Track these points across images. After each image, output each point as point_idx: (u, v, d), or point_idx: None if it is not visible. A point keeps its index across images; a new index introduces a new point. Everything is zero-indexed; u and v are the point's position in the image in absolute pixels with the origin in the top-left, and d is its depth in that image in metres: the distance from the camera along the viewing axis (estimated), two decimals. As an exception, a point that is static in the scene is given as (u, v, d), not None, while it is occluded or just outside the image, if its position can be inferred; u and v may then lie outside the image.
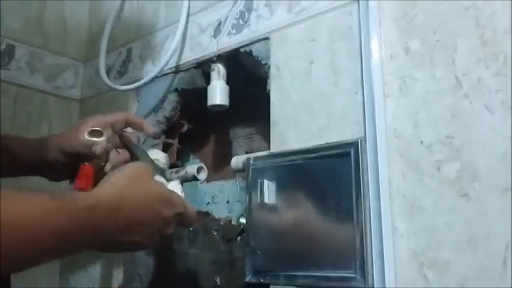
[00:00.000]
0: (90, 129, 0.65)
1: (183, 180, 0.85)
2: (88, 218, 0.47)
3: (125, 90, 0.97)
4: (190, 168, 0.87)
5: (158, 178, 0.62)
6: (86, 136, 0.65)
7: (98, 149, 0.64)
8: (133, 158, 0.66)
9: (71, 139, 0.67)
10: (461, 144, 0.55)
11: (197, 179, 0.86)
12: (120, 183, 0.53)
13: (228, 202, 0.95)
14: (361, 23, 0.64)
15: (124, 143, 0.67)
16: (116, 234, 0.51)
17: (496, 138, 0.52)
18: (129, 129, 0.69)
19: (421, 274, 0.55)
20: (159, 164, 0.74)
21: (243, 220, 0.79)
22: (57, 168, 0.68)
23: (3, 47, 1.06)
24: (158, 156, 0.74)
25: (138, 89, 0.97)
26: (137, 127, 0.70)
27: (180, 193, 0.65)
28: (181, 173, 0.88)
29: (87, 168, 0.64)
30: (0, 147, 0.67)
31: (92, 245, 0.51)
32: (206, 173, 0.86)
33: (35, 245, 0.43)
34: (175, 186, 0.65)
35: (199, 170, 0.85)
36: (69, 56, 1.18)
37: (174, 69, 0.92)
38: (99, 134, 0.65)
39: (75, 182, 0.63)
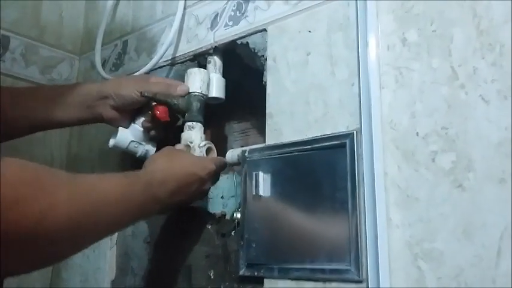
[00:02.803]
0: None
1: None
2: (148, 189, 0.64)
3: (121, 83, 0.96)
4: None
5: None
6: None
7: (183, 89, 0.82)
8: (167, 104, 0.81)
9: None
10: (456, 135, 0.55)
11: None
12: (163, 161, 0.71)
13: (222, 197, 0.94)
14: (359, 14, 0.64)
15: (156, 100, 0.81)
16: (169, 198, 0.68)
17: (492, 128, 0.52)
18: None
19: (415, 265, 0.54)
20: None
21: (237, 215, 0.78)
22: (123, 108, 0.82)
23: (-3, 38, 1.06)
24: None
25: (133, 81, 0.96)
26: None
27: (200, 140, 0.81)
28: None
29: (161, 106, 0.80)
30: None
31: (152, 209, 0.67)
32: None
33: (116, 211, 0.58)
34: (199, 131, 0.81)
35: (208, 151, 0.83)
36: (65, 48, 1.17)
37: (170, 61, 0.91)
38: None
39: (157, 114, 0.80)
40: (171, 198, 0.69)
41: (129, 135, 0.84)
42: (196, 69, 0.84)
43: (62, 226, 0.48)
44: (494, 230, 0.50)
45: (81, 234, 0.53)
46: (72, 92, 0.82)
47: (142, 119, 0.84)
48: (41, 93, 0.83)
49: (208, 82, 0.83)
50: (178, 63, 0.91)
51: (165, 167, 0.70)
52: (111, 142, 0.85)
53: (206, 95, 0.83)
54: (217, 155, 0.82)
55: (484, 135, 0.53)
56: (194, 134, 0.81)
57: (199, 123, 0.82)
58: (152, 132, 0.85)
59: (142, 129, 0.84)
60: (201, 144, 0.80)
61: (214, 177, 0.77)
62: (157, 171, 0.68)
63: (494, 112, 0.52)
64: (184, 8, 0.90)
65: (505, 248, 0.49)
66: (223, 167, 0.80)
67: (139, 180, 0.64)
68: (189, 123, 0.81)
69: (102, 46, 1.02)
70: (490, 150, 0.52)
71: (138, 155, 0.85)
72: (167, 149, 0.77)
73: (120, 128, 0.84)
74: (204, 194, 0.78)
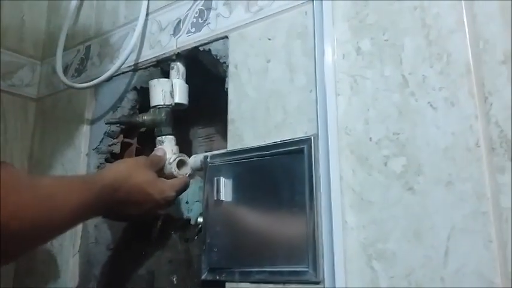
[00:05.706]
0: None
1: None
2: (100, 194, 0.65)
3: (82, 88, 0.96)
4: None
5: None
6: None
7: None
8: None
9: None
10: (407, 140, 0.57)
11: None
12: (125, 170, 0.70)
13: (187, 202, 0.94)
14: (315, 23, 0.66)
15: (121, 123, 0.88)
16: (116, 207, 0.69)
17: (439, 134, 0.55)
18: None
19: (369, 266, 0.56)
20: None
21: (201, 220, 0.79)
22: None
23: (-45, 43, 1.03)
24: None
25: (96, 87, 0.96)
26: None
27: (172, 153, 0.80)
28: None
29: None
30: None
31: (97, 212, 0.69)
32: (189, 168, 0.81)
33: (70, 215, 0.60)
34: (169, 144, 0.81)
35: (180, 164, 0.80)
36: (26, 53, 1.15)
37: (133, 67, 0.91)
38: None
39: None
40: (119, 208, 0.70)
41: None
42: (156, 80, 0.83)
43: (25, 228, 0.52)
44: (442, 231, 0.53)
45: (37, 235, 0.56)
46: None
47: None
48: None
49: (170, 90, 0.83)
50: (141, 68, 0.91)
51: (123, 177, 0.69)
52: None
53: (171, 104, 0.83)
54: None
55: (432, 141, 0.55)
56: (165, 149, 0.81)
57: (168, 136, 0.82)
58: None
59: None
60: (170, 161, 0.79)
61: (171, 202, 0.76)
62: (116, 178, 0.69)
63: (441, 118, 0.55)
64: (147, 14, 0.90)
65: (452, 249, 0.52)
66: (184, 189, 0.78)
67: (95, 185, 0.65)
68: (159, 138, 0.82)
69: (64, 51, 1.01)
70: (438, 155, 0.54)
71: None
72: (135, 159, 0.77)
73: None
74: (156, 216, 0.80)
